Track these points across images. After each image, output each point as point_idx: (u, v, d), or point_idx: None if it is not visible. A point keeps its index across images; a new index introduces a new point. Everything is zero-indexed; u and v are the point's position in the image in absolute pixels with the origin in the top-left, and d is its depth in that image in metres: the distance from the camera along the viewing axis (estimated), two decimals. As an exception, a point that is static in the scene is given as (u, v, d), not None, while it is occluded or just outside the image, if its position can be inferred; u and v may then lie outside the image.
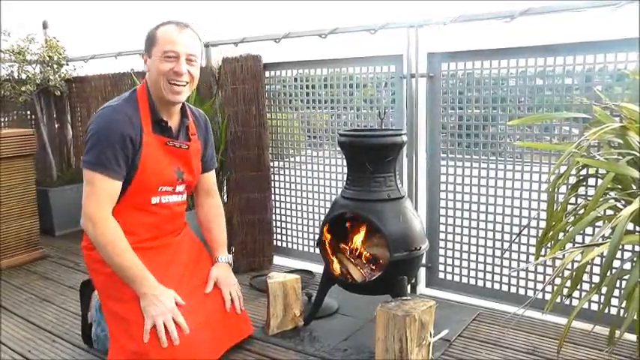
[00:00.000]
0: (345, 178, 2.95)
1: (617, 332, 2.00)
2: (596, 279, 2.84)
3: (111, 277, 2.46)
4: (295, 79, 3.88)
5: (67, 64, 5.23)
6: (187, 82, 2.50)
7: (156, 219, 2.59)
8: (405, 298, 2.55)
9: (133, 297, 2.41)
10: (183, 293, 2.53)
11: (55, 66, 5.09)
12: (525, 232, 3.05)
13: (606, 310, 2.78)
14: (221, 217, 2.97)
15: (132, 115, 2.43)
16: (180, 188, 2.66)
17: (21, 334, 3.03)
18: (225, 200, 4.00)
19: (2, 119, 5.16)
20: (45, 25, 5.34)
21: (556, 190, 2.39)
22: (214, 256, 2.87)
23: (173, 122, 2.60)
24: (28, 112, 5.32)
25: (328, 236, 2.97)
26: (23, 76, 4.94)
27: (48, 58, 5.01)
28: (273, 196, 4.11)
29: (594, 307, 2.88)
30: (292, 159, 4.04)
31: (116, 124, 2.37)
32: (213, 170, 2.95)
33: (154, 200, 2.56)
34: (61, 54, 5.12)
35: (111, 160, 2.36)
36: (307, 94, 3.82)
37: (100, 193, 2.39)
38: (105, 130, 2.36)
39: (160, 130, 2.52)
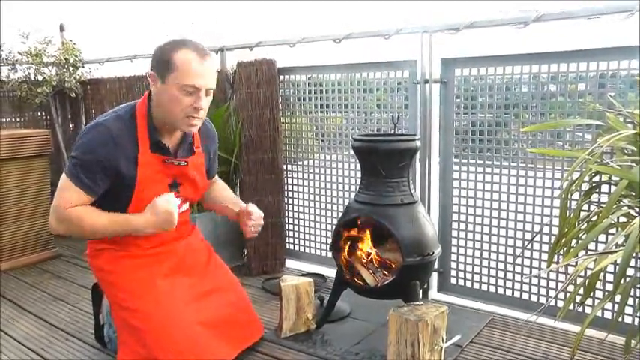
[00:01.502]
0: (357, 183, 2.96)
1: (633, 341, 2.00)
2: (609, 287, 2.83)
3: (117, 285, 2.49)
4: (309, 84, 3.89)
5: (83, 67, 5.27)
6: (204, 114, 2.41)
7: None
8: (417, 302, 2.56)
9: (140, 305, 2.42)
10: (193, 296, 2.56)
11: (71, 68, 5.13)
12: (538, 238, 3.05)
13: (620, 319, 2.77)
14: (227, 188, 2.95)
15: (122, 135, 2.34)
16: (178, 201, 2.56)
17: (35, 332, 3.05)
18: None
19: (18, 120, 5.20)
20: (62, 28, 5.38)
21: (569, 196, 2.39)
22: (239, 205, 2.75)
23: (174, 139, 2.52)
24: (44, 113, 5.36)
25: (341, 240, 2.98)
26: (40, 78, 4.98)
27: (64, 61, 5.05)
28: (286, 200, 4.13)
29: (607, 314, 2.87)
30: (305, 163, 4.05)
31: (99, 149, 2.29)
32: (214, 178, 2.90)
33: None
34: (77, 56, 5.15)
35: (88, 178, 2.31)
36: (321, 98, 3.83)
37: (69, 196, 2.33)
38: (87, 152, 2.30)
39: (158, 149, 2.43)
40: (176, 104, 2.30)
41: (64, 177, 2.34)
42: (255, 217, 2.66)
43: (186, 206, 2.68)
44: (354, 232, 2.98)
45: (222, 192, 2.90)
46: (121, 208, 2.40)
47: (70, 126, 5.62)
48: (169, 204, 2.34)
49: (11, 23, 5.06)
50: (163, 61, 2.28)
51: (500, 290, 3.26)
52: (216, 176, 2.94)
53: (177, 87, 2.27)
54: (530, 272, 3.12)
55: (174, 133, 2.49)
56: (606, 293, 2.79)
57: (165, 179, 2.48)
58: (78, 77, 5.20)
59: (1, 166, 4.06)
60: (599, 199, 2.69)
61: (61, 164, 5.24)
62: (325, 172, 3.92)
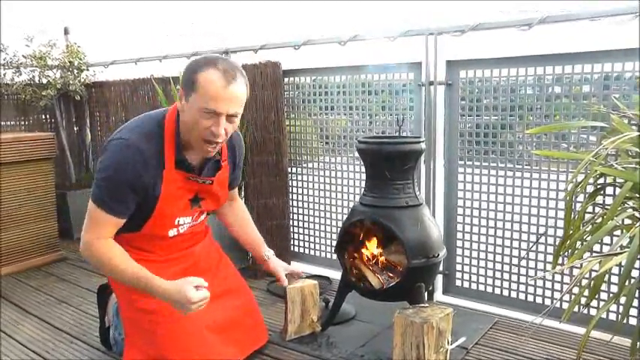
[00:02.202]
0: (362, 185, 2.96)
1: (639, 343, 1.99)
2: (614, 288, 2.82)
3: (123, 285, 2.48)
4: (314, 86, 3.89)
5: (88, 70, 5.28)
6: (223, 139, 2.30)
7: (173, 243, 2.55)
8: (422, 305, 2.56)
9: (153, 307, 2.41)
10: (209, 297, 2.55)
11: (75, 71, 5.14)
12: (542, 240, 3.05)
13: (625, 320, 2.76)
14: (249, 217, 2.95)
15: (150, 154, 2.25)
16: (197, 216, 2.59)
17: (40, 335, 3.06)
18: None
19: (22, 123, 5.21)
20: (66, 31, 5.40)
21: (573, 198, 2.38)
22: (263, 254, 2.85)
23: (196, 162, 2.43)
24: (48, 116, 5.37)
25: (346, 242, 2.98)
26: (44, 81, 5.00)
27: (69, 64, 5.07)
28: (290, 202, 4.13)
29: (613, 316, 2.87)
30: (310, 165, 4.05)
31: (128, 167, 2.20)
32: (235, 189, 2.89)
33: (172, 233, 2.48)
34: (81, 59, 5.17)
35: (118, 202, 2.25)
36: (325, 100, 3.84)
37: (102, 227, 2.28)
38: (115, 170, 2.21)
39: (183, 166, 2.35)
40: (195, 126, 2.22)
41: (93, 205, 2.27)
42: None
43: (198, 221, 2.66)
44: (359, 235, 2.98)
45: (247, 228, 2.91)
46: (140, 221, 2.38)
47: (75, 129, 5.64)
48: (194, 296, 2.21)
49: (15, 26, 5.08)
50: (189, 79, 2.18)
51: (506, 292, 3.25)
52: (236, 192, 2.92)
53: (197, 108, 2.18)
54: (535, 274, 3.12)
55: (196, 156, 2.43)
56: (611, 295, 2.78)
57: (186, 194, 2.44)
58: (82, 80, 5.22)
59: (5, 169, 4.07)
60: (603, 201, 2.68)
61: (65, 167, 5.26)
62: (330, 174, 3.92)
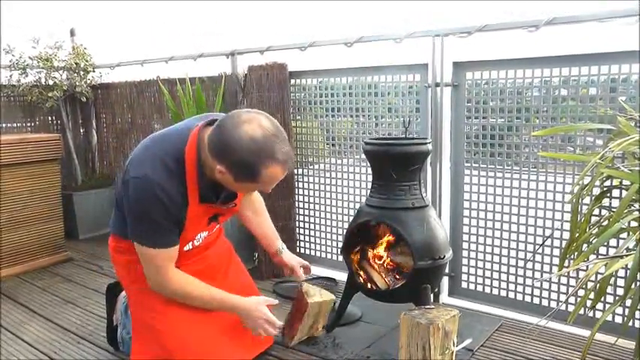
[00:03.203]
0: (368, 186, 2.96)
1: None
2: (620, 291, 2.82)
3: (135, 284, 2.49)
4: (320, 87, 3.90)
5: (94, 71, 5.30)
6: None
7: (188, 253, 2.53)
8: (428, 306, 2.56)
9: (164, 309, 2.43)
10: None
11: (81, 73, 5.15)
12: (548, 242, 3.04)
13: (630, 323, 2.76)
14: (265, 209, 2.92)
15: (174, 193, 2.18)
16: (214, 229, 2.62)
17: (46, 335, 3.07)
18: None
19: (29, 124, 5.23)
20: (72, 33, 5.42)
21: (580, 201, 2.38)
22: (277, 247, 2.85)
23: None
24: (54, 118, 5.39)
25: (352, 244, 2.99)
26: (50, 83, 5.01)
27: (75, 65, 5.08)
28: (297, 203, 4.14)
29: (618, 319, 2.87)
30: (316, 166, 4.05)
31: (155, 204, 2.16)
32: None
33: (187, 247, 2.48)
34: (87, 61, 5.18)
35: (160, 235, 2.24)
36: (331, 102, 3.84)
37: (159, 264, 2.29)
38: (144, 208, 2.18)
39: (206, 199, 2.32)
40: (242, 192, 2.37)
41: (141, 248, 2.26)
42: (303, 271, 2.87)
43: (214, 230, 2.66)
44: (365, 236, 2.98)
45: (262, 219, 2.89)
46: None
47: (81, 130, 5.66)
48: (258, 313, 2.49)
49: (22, 27, 5.10)
50: (248, 171, 2.08)
51: (511, 294, 3.25)
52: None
53: (251, 188, 2.27)
54: (541, 277, 3.12)
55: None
56: (617, 298, 2.78)
57: (207, 215, 2.43)
58: (88, 82, 5.23)
59: (12, 170, 4.09)
60: (610, 204, 2.69)
61: (71, 168, 5.27)
62: (336, 175, 3.93)
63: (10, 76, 4.92)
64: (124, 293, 2.83)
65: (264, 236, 2.89)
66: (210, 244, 2.70)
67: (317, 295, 2.81)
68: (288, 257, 2.87)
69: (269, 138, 2.06)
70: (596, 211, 2.61)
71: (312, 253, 4.18)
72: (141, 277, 2.42)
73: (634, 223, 2.19)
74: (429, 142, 2.80)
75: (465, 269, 3.42)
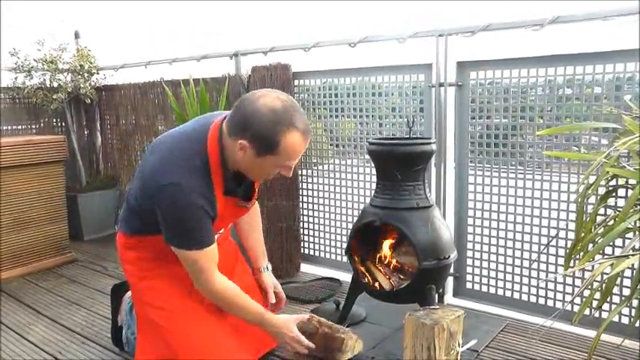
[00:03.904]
0: (372, 187, 2.96)
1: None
2: (626, 291, 2.81)
3: (144, 281, 2.49)
4: (323, 88, 3.90)
5: (98, 73, 5.30)
6: None
7: None
8: (433, 306, 2.55)
9: (169, 304, 2.44)
10: None
11: (85, 74, 5.16)
12: (554, 242, 3.03)
13: (637, 323, 2.75)
14: (260, 223, 2.90)
15: (203, 190, 2.20)
16: (229, 226, 2.66)
17: (51, 336, 3.07)
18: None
19: (33, 126, 5.24)
20: (77, 35, 5.42)
21: (585, 200, 2.37)
22: (261, 264, 2.85)
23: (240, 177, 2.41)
24: (59, 120, 5.40)
25: (357, 244, 2.98)
26: (55, 85, 5.02)
27: (79, 67, 5.08)
28: (301, 204, 4.14)
29: (624, 320, 2.85)
30: (320, 167, 4.05)
31: (192, 207, 2.17)
32: None
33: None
34: (92, 63, 5.19)
35: (203, 235, 2.24)
36: (335, 102, 3.84)
37: (205, 268, 2.29)
38: (183, 213, 2.17)
39: (231, 192, 2.34)
40: (264, 175, 2.30)
41: (186, 253, 2.25)
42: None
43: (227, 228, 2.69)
44: (369, 236, 2.98)
45: (254, 238, 2.87)
46: None
47: (85, 132, 5.67)
48: (290, 333, 2.53)
49: (21, 28, 5.11)
50: (268, 143, 2.12)
51: (516, 295, 3.24)
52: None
53: (273, 165, 2.21)
54: (547, 277, 3.11)
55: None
56: (623, 298, 2.77)
57: (231, 219, 2.49)
58: (93, 84, 5.24)
59: (17, 172, 4.10)
60: (615, 203, 2.67)
61: (75, 170, 5.28)
62: (340, 176, 3.92)
63: (16, 78, 4.93)
64: (128, 294, 2.83)
65: (253, 250, 2.87)
66: (219, 244, 2.69)
67: (349, 352, 2.68)
68: (267, 279, 2.86)
69: (287, 108, 2.11)
70: (601, 211, 2.59)
71: (317, 253, 4.18)
72: (151, 272, 2.46)
73: (640, 223, 2.19)
74: (433, 142, 2.80)
75: (469, 269, 3.41)
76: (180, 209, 2.16)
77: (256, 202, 2.77)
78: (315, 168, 4.08)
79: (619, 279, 2.76)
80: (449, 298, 3.48)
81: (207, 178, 2.21)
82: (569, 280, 3.03)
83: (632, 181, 2.27)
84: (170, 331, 2.41)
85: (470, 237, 3.37)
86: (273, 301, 2.82)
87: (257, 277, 2.86)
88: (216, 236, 2.41)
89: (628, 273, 2.72)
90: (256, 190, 2.57)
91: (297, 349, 2.54)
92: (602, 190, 2.47)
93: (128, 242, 2.51)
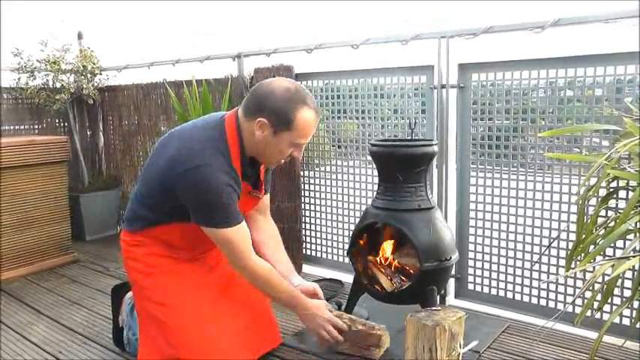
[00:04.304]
0: (374, 188, 2.96)
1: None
2: (627, 293, 2.81)
3: (150, 278, 2.50)
4: (326, 89, 3.90)
5: (101, 74, 5.31)
6: None
7: (209, 240, 2.52)
8: (435, 308, 2.56)
9: (173, 302, 2.46)
10: (226, 297, 2.61)
11: (88, 75, 5.16)
12: (555, 244, 3.04)
13: (638, 325, 2.75)
14: (279, 238, 2.94)
15: (230, 170, 2.30)
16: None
17: (52, 336, 3.08)
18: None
19: (36, 127, 5.25)
20: (80, 36, 5.43)
21: (586, 202, 2.38)
22: (290, 279, 2.76)
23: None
24: (61, 120, 5.40)
25: (358, 245, 2.99)
26: (58, 85, 5.03)
27: (82, 68, 5.09)
28: (303, 205, 4.14)
29: (626, 321, 2.86)
30: (322, 168, 4.06)
31: (225, 186, 2.26)
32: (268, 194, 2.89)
33: None
34: (94, 63, 5.19)
35: (232, 211, 2.30)
36: (337, 104, 3.85)
37: (240, 244, 2.36)
38: (215, 193, 2.25)
39: (246, 177, 2.44)
40: (279, 155, 2.39)
41: (216, 232, 2.31)
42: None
43: None
44: (371, 238, 2.98)
45: (280, 254, 2.88)
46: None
47: (88, 133, 5.67)
48: (324, 314, 2.62)
49: (30, 30, 5.11)
50: (285, 118, 2.27)
51: (518, 296, 3.25)
52: (268, 203, 2.92)
53: (288, 143, 2.33)
54: (548, 278, 3.11)
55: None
56: (624, 299, 2.77)
57: (242, 211, 2.49)
58: (95, 84, 5.24)
59: (19, 172, 4.11)
60: (616, 205, 2.68)
61: (78, 170, 5.28)
62: (342, 177, 3.93)
63: (19, 78, 4.94)
64: (129, 294, 2.84)
65: (277, 264, 2.78)
66: (217, 253, 2.71)
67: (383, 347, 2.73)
68: (306, 285, 2.83)
69: (299, 89, 2.32)
70: (602, 212, 2.61)
71: (318, 254, 4.18)
72: (158, 269, 2.50)
73: (641, 224, 2.19)
74: (435, 144, 2.81)
75: (471, 271, 3.41)
76: (212, 188, 2.24)
77: (269, 214, 2.91)
78: (317, 169, 4.08)
79: (620, 280, 2.76)
80: (450, 299, 3.48)
81: (229, 161, 2.32)
82: (570, 282, 3.04)
83: (632, 183, 2.27)
84: (171, 327, 2.43)
85: (471, 238, 3.38)
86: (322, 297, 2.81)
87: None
88: None
89: (629, 274, 2.73)
90: (262, 181, 2.63)
91: (330, 333, 2.59)
92: (603, 192, 2.48)
93: (134, 240, 2.53)
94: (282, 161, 2.47)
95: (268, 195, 2.87)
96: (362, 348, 2.68)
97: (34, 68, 4.91)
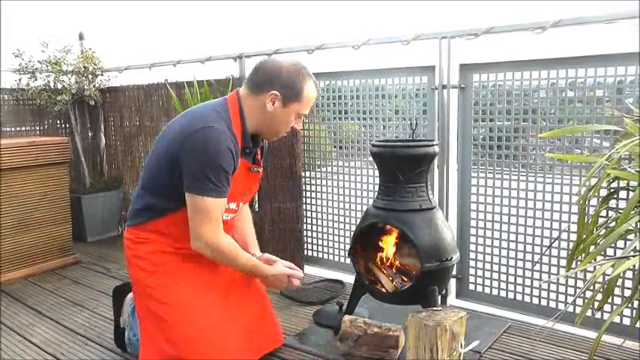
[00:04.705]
0: (375, 189, 2.97)
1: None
2: (627, 292, 2.81)
3: (153, 276, 2.50)
4: (327, 90, 3.91)
5: (102, 75, 5.31)
6: None
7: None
8: (436, 308, 2.56)
9: (176, 300, 2.46)
10: (228, 297, 2.62)
11: (90, 76, 5.17)
12: (556, 244, 3.04)
13: (638, 324, 2.75)
14: (251, 220, 2.98)
15: (232, 137, 2.38)
16: (239, 206, 2.69)
17: (54, 337, 3.08)
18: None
19: (37, 128, 5.25)
20: (81, 37, 5.44)
21: (587, 202, 2.38)
22: (252, 252, 2.82)
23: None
24: (62, 121, 5.41)
25: (360, 246, 2.99)
26: (59, 86, 5.03)
27: (83, 69, 5.09)
28: (304, 206, 4.14)
29: (626, 320, 2.86)
30: (323, 169, 4.06)
31: (225, 150, 2.31)
32: None
33: (225, 216, 2.54)
34: (96, 64, 5.20)
35: (223, 183, 2.34)
36: (339, 104, 3.86)
37: (213, 216, 2.36)
38: (217, 155, 2.30)
39: (246, 154, 2.52)
40: (285, 125, 2.53)
41: (199, 198, 2.33)
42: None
43: (236, 214, 2.71)
44: (372, 238, 2.98)
45: (248, 231, 2.92)
46: None
47: (89, 134, 5.67)
48: (279, 271, 2.65)
49: (31, 31, 5.12)
50: (295, 90, 2.45)
51: (519, 297, 3.25)
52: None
53: (295, 113, 2.50)
54: (549, 278, 3.11)
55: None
56: (624, 299, 2.77)
57: (243, 190, 2.60)
58: (97, 85, 5.24)
59: (21, 173, 4.12)
60: (617, 205, 2.68)
61: (79, 171, 5.29)
62: (343, 178, 3.94)
63: (20, 79, 4.95)
64: (130, 295, 2.84)
65: (242, 242, 2.82)
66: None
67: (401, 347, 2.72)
68: (266, 256, 2.85)
69: (302, 63, 2.50)
70: (603, 213, 2.61)
71: (320, 255, 4.19)
72: (162, 267, 2.51)
73: (641, 224, 2.19)
74: (436, 144, 2.81)
75: (472, 271, 3.42)
76: (212, 149, 2.30)
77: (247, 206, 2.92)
78: (319, 170, 4.09)
79: (620, 280, 2.76)
80: (451, 299, 3.49)
81: (231, 128, 2.41)
82: (571, 282, 3.04)
83: (633, 183, 2.27)
84: (174, 326, 2.43)
85: (472, 239, 3.38)
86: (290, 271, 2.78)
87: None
88: (226, 215, 2.54)
89: (629, 274, 2.73)
90: (260, 161, 2.70)
91: (291, 280, 2.68)
92: (603, 192, 2.48)
93: (139, 237, 2.54)
94: (285, 134, 2.61)
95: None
96: (380, 351, 2.69)
97: (36, 69, 4.92)
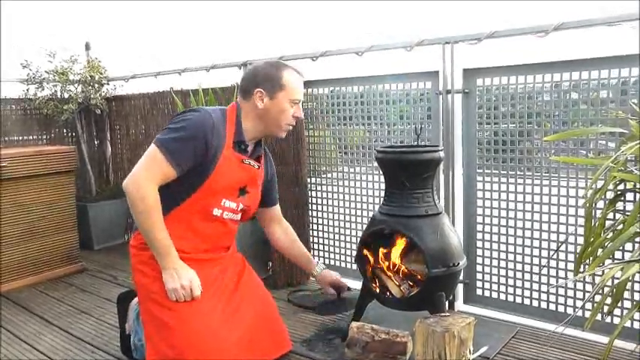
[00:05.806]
0: (381, 195, 2.96)
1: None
2: (637, 296, 2.79)
3: (158, 281, 2.49)
4: (331, 96, 3.91)
5: (108, 84, 5.34)
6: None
7: (213, 231, 2.63)
8: (444, 313, 2.55)
9: (183, 306, 2.45)
10: (233, 304, 2.61)
11: (96, 85, 5.20)
12: (563, 248, 3.02)
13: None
14: (294, 233, 3.13)
15: (220, 125, 2.53)
16: (239, 207, 2.67)
17: (61, 345, 3.09)
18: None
19: (44, 137, 5.28)
20: (87, 47, 5.48)
21: (593, 205, 2.37)
22: (313, 267, 3.04)
23: (250, 147, 2.69)
24: (69, 130, 5.43)
25: (366, 252, 2.98)
26: (65, 96, 5.06)
27: (89, 78, 5.12)
28: (310, 212, 4.14)
29: (637, 325, 2.84)
30: (329, 175, 4.06)
31: (204, 127, 2.45)
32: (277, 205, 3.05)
33: (216, 212, 2.58)
34: (102, 74, 5.23)
35: (181, 152, 2.42)
36: (343, 110, 3.85)
37: (156, 169, 2.41)
38: (193, 126, 2.45)
39: (239, 149, 2.61)
40: (284, 116, 2.62)
41: (155, 148, 2.43)
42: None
43: (237, 217, 2.71)
44: (378, 244, 2.97)
45: (300, 248, 3.10)
46: (190, 189, 2.52)
47: (95, 142, 5.70)
48: (186, 280, 2.46)
49: (39, 43, 5.15)
50: (274, 81, 2.60)
51: (527, 301, 3.23)
52: (280, 212, 3.10)
53: (287, 101, 2.61)
54: (557, 282, 3.09)
55: (253, 142, 2.72)
56: (634, 303, 2.75)
57: (237, 184, 2.63)
58: (103, 94, 5.28)
59: (27, 182, 4.14)
60: (624, 207, 2.67)
61: (86, 179, 5.31)
62: (349, 184, 3.93)
63: (27, 89, 4.98)
64: (135, 301, 2.84)
65: (299, 259, 3.12)
66: (228, 242, 2.78)
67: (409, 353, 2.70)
68: (327, 274, 3.06)
69: (275, 59, 2.76)
70: (610, 215, 2.59)
71: (326, 261, 4.17)
72: None
73: (649, 227, 2.17)
74: (441, 150, 2.80)
75: (479, 276, 3.40)
76: (189, 122, 2.46)
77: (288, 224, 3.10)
78: (324, 176, 4.08)
79: (629, 284, 2.75)
80: (459, 304, 3.47)
81: (223, 123, 2.56)
82: (579, 286, 3.02)
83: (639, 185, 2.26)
84: (179, 332, 2.42)
85: (479, 243, 3.37)
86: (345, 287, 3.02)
87: (319, 280, 3.06)
88: (226, 214, 2.62)
89: (638, 277, 2.72)
90: (261, 165, 2.77)
91: (184, 294, 2.47)
92: (610, 195, 2.46)
93: (144, 242, 2.53)
94: (290, 126, 2.69)
95: (278, 205, 3.04)
96: (388, 357, 2.67)
97: (43, 79, 4.94)
